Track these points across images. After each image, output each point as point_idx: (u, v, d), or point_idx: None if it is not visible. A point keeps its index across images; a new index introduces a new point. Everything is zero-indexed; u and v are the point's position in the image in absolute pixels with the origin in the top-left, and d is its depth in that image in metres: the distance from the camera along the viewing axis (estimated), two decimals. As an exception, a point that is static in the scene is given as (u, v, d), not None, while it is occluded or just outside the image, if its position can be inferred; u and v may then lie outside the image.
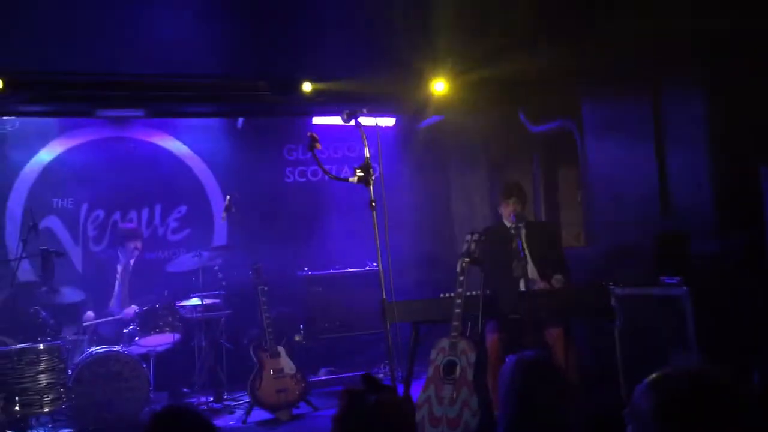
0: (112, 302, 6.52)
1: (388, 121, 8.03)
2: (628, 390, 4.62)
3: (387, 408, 2.50)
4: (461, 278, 4.93)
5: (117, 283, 6.59)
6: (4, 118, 7.10)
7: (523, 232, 5.42)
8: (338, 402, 2.53)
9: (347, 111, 3.97)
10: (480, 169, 8.36)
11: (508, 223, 5.54)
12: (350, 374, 7.06)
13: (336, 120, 7.37)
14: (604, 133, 6.39)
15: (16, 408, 5.46)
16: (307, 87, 6.66)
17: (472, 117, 7.80)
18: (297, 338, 7.11)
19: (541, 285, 5.24)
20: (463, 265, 4.99)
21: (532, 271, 5.31)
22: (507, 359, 2.70)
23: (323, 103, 6.87)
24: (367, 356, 7.39)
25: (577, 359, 5.16)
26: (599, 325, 5.20)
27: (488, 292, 4.98)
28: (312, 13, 5.39)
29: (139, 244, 6.71)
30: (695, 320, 4.39)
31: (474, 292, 4.95)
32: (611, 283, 4.83)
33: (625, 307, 4.75)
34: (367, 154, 3.96)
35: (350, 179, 3.87)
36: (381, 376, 6.31)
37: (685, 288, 4.48)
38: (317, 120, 7.67)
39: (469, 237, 5.15)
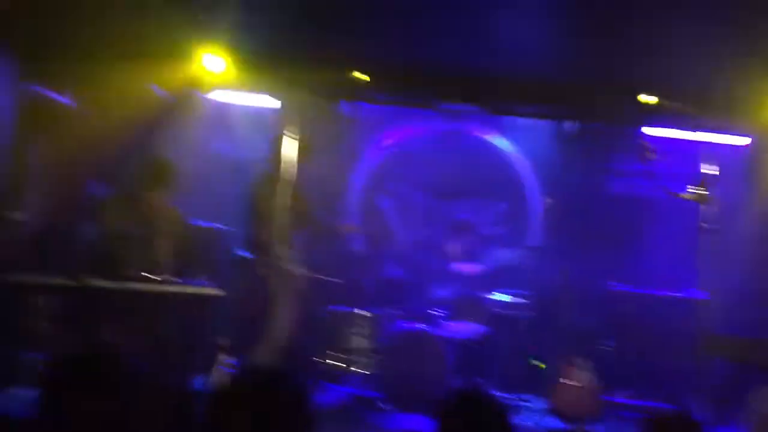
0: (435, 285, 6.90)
1: (743, 140, 7.26)
2: None
3: None
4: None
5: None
6: (358, 104, 7.91)
7: None
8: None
9: (689, 113, 3.70)
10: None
11: None
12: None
13: (672, 132, 6.92)
14: None
15: (335, 362, 6.11)
16: (645, 98, 6.30)
17: None
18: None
19: None
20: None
21: None
22: None
23: (661, 115, 6.46)
24: (673, 388, 6.86)
25: None
26: None
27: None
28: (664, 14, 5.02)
29: (469, 236, 7.01)
30: None
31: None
32: None
33: None
34: (707, 170, 3.67)
35: (683, 195, 3.62)
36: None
37: None
38: (650, 131, 7.26)
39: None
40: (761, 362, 4.60)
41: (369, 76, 6.60)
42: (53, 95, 6.34)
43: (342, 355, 6.12)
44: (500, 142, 8.17)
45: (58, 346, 4.35)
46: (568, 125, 7.91)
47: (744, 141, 7.20)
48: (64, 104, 6.41)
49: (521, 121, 8.06)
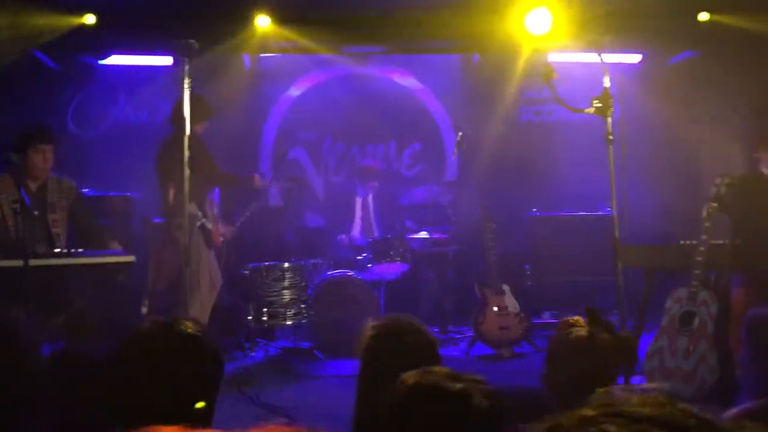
0: (353, 230, 6.92)
1: (634, 58, 7.48)
2: None
3: (599, 342, 2.40)
4: (707, 224, 4.52)
5: (357, 214, 6.97)
6: (262, 55, 7.69)
7: (784, 180, 4.82)
8: (555, 331, 2.48)
9: (589, 38, 3.74)
10: (735, 111, 7.52)
11: (766, 171, 4.96)
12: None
13: (575, 57, 7.03)
14: None
15: (264, 318, 6.06)
16: (543, 16, 6.25)
17: (732, 52, 7.00)
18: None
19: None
20: (710, 210, 4.57)
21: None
22: (752, 312, 2.41)
23: (561, 38, 6.51)
24: (595, 303, 7.11)
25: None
26: None
27: (737, 242, 4.52)
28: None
29: (376, 182, 7.01)
30: None
31: (721, 241, 4.53)
32: None
33: None
34: (607, 84, 3.74)
35: (587, 110, 3.68)
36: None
37: None
38: (554, 56, 7.36)
39: (719, 181, 4.67)
40: (671, 266, 4.80)
41: (269, 23, 6.42)
42: None
43: (271, 310, 6.06)
44: (407, 80, 8.12)
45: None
46: (474, 58, 7.94)
47: (636, 58, 7.41)
48: None
49: (426, 57, 8.03)
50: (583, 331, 2.41)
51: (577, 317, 2.48)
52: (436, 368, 1.68)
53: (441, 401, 1.50)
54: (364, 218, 6.99)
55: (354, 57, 7.89)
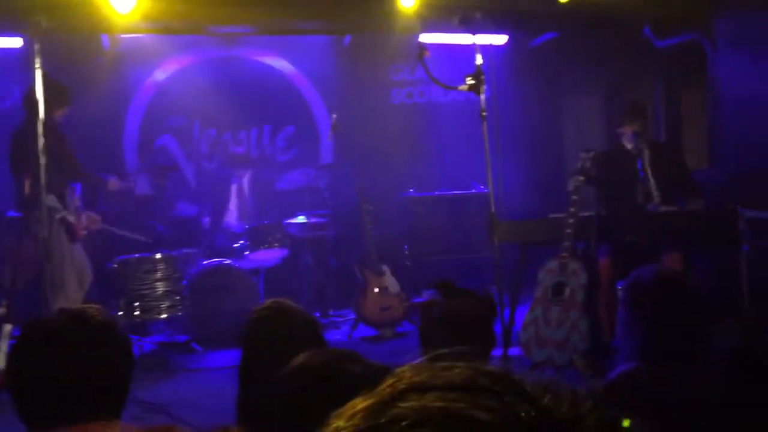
0: (229, 217, 6.70)
1: (500, 39, 7.67)
2: (755, 321, 4.33)
3: (456, 314, 2.45)
4: (574, 197, 4.70)
5: (232, 198, 6.75)
6: (123, 36, 7.25)
7: (646, 153, 5.09)
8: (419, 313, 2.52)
9: (458, 16, 3.77)
10: (595, 89, 7.93)
11: (628, 145, 5.22)
12: (454, 296, 7.01)
13: (446, 38, 7.11)
14: (740, 49, 5.85)
15: (136, 313, 5.76)
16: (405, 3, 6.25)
17: (591, 33, 7.34)
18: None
19: (663, 208, 4.94)
20: (576, 184, 4.75)
21: (654, 194, 5.01)
22: (632, 276, 2.48)
23: (431, 16, 6.56)
24: (473, 280, 7.29)
25: (695, 287, 4.88)
26: (723, 251, 4.87)
27: (603, 213, 4.74)
28: None
29: (250, 168, 6.82)
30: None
31: (588, 213, 4.73)
32: (740, 206, 4.48)
33: (754, 232, 4.41)
34: (479, 62, 3.78)
35: (460, 87, 3.72)
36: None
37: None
38: (426, 37, 7.42)
39: (584, 155, 4.88)
40: (543, 239, 4.98)
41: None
42: None
43: (143, 304, 5.77)
44: (278, 63, 7.94)
45: None
46: (345, 40, 7.87)
47: (502, 39, 7.61)
48: None
49: (297, 39, 7.88)
50: (442, 306, 2.46)
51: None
52: (325, 349, 1.62)
53: (336, 381, 1.44)
54: (240, 205, 6.79)
55: (221, 38, 7.61)
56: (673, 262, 4.79)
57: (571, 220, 4.66)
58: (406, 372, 0.67)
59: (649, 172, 5.00)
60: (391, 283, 6.18)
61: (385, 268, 6.21)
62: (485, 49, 4.38)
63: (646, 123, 5.26)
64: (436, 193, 7.44)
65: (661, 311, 2.16)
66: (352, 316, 6.30)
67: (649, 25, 7.00)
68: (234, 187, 6.81)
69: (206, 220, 6.62)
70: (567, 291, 4.60)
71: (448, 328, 2.43)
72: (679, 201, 5.06)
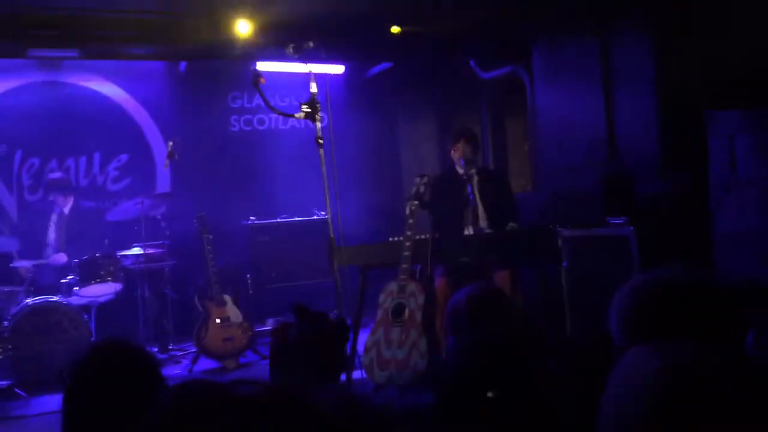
0: (48, 251, 6.30)
1: (337, 69, 7.83)
2: (574, 329, 4.69)
3: (312, 337, 2.47)
4: (410, 221, 4.88)
5: (51, 230, 6.36)
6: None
7: (475, 178, 5.37)
8: (270, 338, 2.50)
9: (293, 44, 3.83)
10: (429, 116, 8.30)
11: (459, 170, 5.48)
12: (298, 323, 6.99)
13: (283, 66, 7.16)
14: (552, 79, 6.37)
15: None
16: (244, 28, 6.24)
17: (422, 63, 7.69)
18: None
19: (487, 231, 5.23)
20: (412, 208, 4.94)
21: (482, 217, 5.28)
22: (454, 296, 2.63)
23: (267, 45, 6.59)
24: (317, 305, 7.29)
25: (523, 301, 5.21)
26: (546, 268, 5.24)
27: (437, 236, 4.95)
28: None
29: (69, 194, 6.45)
30: (640, 259, 4.44)
31: (423, 236, 4.91)
32: (558, 226, 4.84)
33: (571, 249, 4.78)
34: (314, 90, 3.85)
35: (296, 115, 3.76)
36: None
37: (630, 228, 4.53)
38: (263, 65, 7.44)
39: (418, 180, 5.09)
40: (382, 262, 5.09)
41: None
42: None
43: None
44: (112, 90, 7.61)
45: None
46: (181, 66, 7.70)
47: (339, 69, 7.78)
48: None
49: (133, 65, 7.60)
50: (296, 331, 2.46)
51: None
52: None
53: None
54: (59, 237, 6.38)
55: (46, 62, 7.19)
56: (503, 280, 5.08)
57: (408, 243, 4.82)
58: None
59: (478, 196, 5.29)
60: (234, 312, 6.07)
61: (227, 297, 6.09)
62: (323, 78, 4.47)
63: (476, 149, 5.55)
64: (278, 220, 7.42)
65: (476, 328, 2.30)
66: (193, 349, 6.10)
67: (473, 58, 7.45)
68: (54, 217, 6.40)
69: (26, 255, 6.16)
70: (406, 312, 4.74)
71: (304, 351, 2.42)
72: (501, 224, 5.37)
